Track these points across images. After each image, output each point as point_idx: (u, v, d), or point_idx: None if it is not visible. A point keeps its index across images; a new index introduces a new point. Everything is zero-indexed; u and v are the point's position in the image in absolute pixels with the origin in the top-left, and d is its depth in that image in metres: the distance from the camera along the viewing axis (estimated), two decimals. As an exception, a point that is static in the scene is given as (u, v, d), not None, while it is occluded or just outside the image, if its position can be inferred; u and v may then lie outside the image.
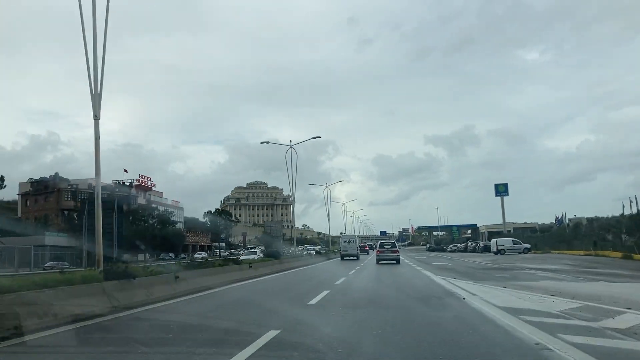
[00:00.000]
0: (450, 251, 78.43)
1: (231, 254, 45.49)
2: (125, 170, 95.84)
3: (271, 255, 27.70)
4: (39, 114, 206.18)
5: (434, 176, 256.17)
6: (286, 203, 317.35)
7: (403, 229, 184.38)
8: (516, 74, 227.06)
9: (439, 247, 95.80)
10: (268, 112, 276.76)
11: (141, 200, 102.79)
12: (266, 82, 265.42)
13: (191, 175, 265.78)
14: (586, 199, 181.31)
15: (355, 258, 46.68)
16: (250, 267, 20.30)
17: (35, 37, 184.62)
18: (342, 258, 47.91)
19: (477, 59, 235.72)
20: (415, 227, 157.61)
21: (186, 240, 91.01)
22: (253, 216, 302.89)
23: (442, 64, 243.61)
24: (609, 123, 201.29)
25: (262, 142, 44.37)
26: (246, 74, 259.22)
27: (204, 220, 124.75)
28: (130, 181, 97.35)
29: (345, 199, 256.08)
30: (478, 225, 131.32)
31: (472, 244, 74.56)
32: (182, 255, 74.22)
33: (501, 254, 50.62)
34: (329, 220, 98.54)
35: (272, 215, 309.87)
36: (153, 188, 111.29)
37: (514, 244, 53.60)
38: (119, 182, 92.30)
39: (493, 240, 56.67)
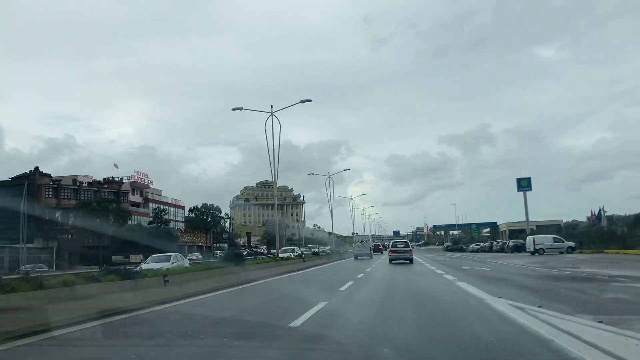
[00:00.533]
0: (472, 251, 69.37)
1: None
2: (116, 166, 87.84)
3: (230, 259, 19.05)
4: (54, 118, 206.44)
5: (448, 176, 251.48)
6: (297, 202, 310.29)
7: (417, 228, 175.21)
8: (532, 72, 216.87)
9: (457, 246, 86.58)
10: (281, 113, 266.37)
11: (136, 198, 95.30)
12: (279, 83, 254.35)
13: (205, 177, 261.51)
14: (604, 196, 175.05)
15: (369, 257, 48.08)
16: (166, 282, 11.69)
17: (50, 42, 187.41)
18: (355, 258, 49.39)
19: (493, 57, 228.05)
20: (430, 226, 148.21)
21: (181, 240, 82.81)
22: (263, 216, 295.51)
23: (457, 63, 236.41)
24: (627, 120, 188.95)
25: (233, 109, 35.81)
26: (259, 75, 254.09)
27: (206, 219, 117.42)
28: (120, 178, 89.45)
29: (358, 199, 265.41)
30: (498, 223, 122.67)
31: (498, 242, 65.00)
32: (175, 257, 67.43)
33: (539, 254, 41.79)
34: (332, 215, 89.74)
35: (282, 215, 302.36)
36: (150, 185, 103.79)
37: (555, 242, 44.41)
38: (108, 179, 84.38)
39: (529, 238, 47.49)
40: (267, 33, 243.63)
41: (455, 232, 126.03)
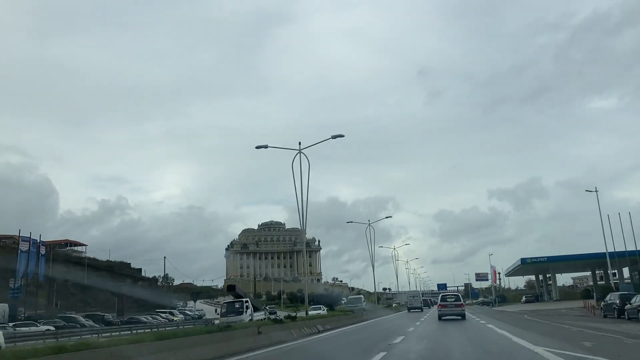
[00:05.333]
0: None
1: None
2: None
3: None
4: (104, 181, 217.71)
5: (499, 231, 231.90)
6: (310, 249, 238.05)
7: (478, 274, 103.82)
8: (584, 123, 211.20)
9: None
10: (325, 171, 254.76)
11: None
12: (325, 142, 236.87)
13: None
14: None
15: (420, 310, 55.75)
16: None
17: (102, 108, 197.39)
18: (408, 310, 57.75)
19: (550, 107, 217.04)
20: (506, 268, 77.42)
21: None
22: (266, 267, 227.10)
23: (510, 115, 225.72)
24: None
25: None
26: (302, 133, 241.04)
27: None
28: None
29: (405, 256, 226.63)
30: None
31: None
32: None
33: None
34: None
35: (290, 266, 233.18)
36: None
37: None
38: None
39: None
40: (312, 93, 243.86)
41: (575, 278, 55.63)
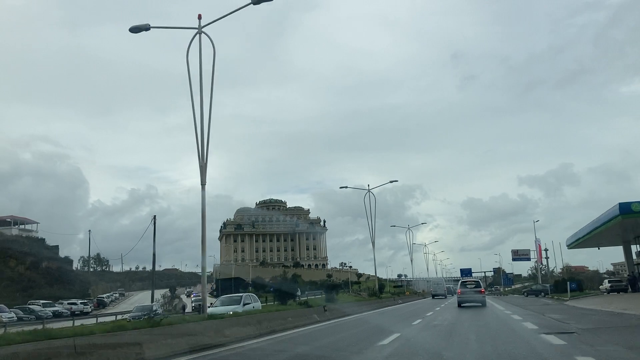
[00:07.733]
0: None
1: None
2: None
3: None
4: (131, 171, 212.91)
5: (529, 219, 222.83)
6: (314, 230, 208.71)
7: (515, 252, 74.34)
8: (623, 107, 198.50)
9: None
10: (352, 159, 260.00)
11: None
12: (349, 129, 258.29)
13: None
14: None
15: (444, 297, 58.31)
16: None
17: (129, 98, 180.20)
18: (433, 297, 60.52)
19: (586, 91, 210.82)
20: (569, 236, 47.59)
21: None
22: (264, 250, 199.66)
23: (546, 99, 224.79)
24: None
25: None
26: (328, 121, 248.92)
27: None
28: None
29: (427, 241, 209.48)
30: None
31: None
32: None
33: None
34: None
35: (292, 249, 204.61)
36: None
37: None
38: None
39: None
40: (339, 80, 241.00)
41: None
